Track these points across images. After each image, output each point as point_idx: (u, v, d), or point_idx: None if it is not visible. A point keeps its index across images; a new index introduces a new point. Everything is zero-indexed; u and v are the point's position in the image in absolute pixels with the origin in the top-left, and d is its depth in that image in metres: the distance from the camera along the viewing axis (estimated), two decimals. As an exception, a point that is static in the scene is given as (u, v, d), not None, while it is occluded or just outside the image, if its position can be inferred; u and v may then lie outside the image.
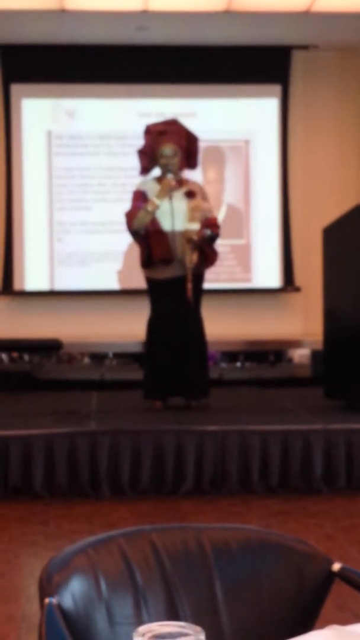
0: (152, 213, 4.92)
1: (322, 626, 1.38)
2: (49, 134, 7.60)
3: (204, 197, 5.11)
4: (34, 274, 7.55)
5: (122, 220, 7.47)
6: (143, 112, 7.57)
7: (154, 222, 4.94)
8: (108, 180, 7.61)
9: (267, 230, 7.68)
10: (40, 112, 7.60)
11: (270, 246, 7.67)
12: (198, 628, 1.26)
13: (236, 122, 7.70)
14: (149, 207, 4.91)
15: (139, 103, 7.63)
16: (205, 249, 4.97)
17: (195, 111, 7.53)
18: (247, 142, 7.73)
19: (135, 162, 7.19)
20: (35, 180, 7.58)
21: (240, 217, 7.57)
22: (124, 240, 7.34)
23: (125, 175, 7.55)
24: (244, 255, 7.57)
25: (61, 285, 7.55)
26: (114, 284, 7.55)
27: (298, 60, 7.71)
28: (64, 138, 7.63)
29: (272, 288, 7.69)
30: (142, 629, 1.27)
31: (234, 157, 7.69)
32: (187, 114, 7.28)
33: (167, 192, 4.91)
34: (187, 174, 5.20)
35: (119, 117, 7.62)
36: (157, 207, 4.91)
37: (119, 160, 7.58)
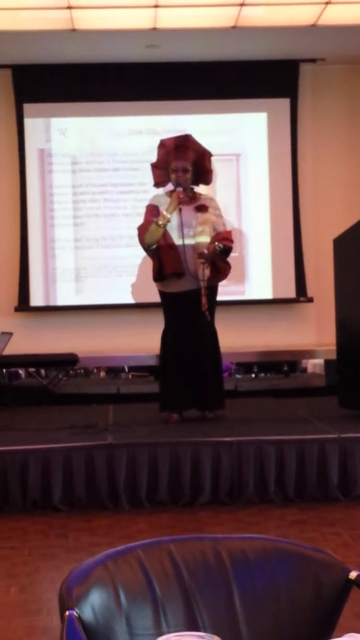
0: (163, 227, 4.96)
1: (340, 634, 1.39)
2: (42, 152, 7.66)
3: (217, 212, 5.14)
4: (39, 290, 7.61)
5: (114, 235, 7.55)
6: (144, 129, 7.62)
7: (166, 236, 4.98)
8: (101, 196, 7.69)
9: (260, 242, 7.70)
10: (37, 130, 7.66)
11: (264, 257, 7.69)
12: (217, 638, 1.28)
13: (230, 135, 7.73)
14: (160, 221, 4.96)
15: (145, 120, 7.69)
16: (217, 262, 5.00)
17: (201, 126, 7.58)
18: (238, 155, 7.75)
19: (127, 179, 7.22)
20: (42, 194, 7.65)
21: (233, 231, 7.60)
22: (119, 254, 7.43)
23: (118, 191, 7.62)
24: (237, 267, 7.57)
25: (64, 301, 7.60)
26: (117, 299, 7.58)
27: (306, 73, 7.75)
28: (57, 156, 7.68)
29: (286, 299, 7.70)
30: (161, 639, 1.29)
31: (226, 171, 7.69)
32: (196, 128, 7.32)
33: (175, 205, 4.95)
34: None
35: (119, 135, 7.68)
36: (167, 220, 4.95)
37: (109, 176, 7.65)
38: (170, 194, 5.07)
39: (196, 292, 4.92)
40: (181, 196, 4.96)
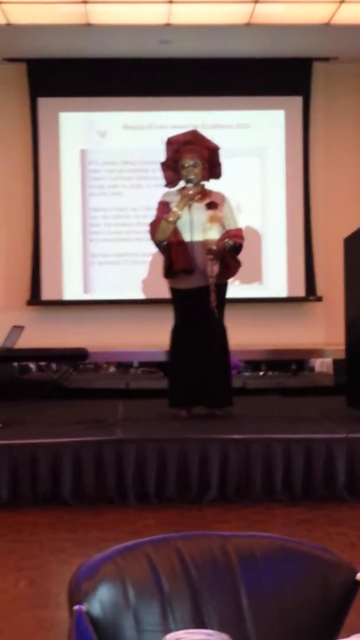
0: (174, 223, 4.97)
1: (346, 634, 1.41)
2: (56, 146, 7.67)
3: (229, 208, 5.15)
4: (50, 284, 7.64)
5: (125, 230, 7.55)
6: (161, 124, 7.63)
7: (176, 232, 5.00)
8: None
9: (276, 241, 7.70)
10: (51, 124, 7.68)
11: (279, 256, 7.70)
12: (225, 636, 1.30)
13: (247, 133, 7.73)
14: (170, 218, 4.97)
15: (157, 115, 7.69)
16: (226, 259, 5.01)
17: (213, 123, 7.58)
18: (257, 153, 7.75)
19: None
20: (54, 188, 7.67)
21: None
22: (131, 249, 7.46)
23: (130, 185, 7.60)
24: (252, 266, 7.57)
25: (75, 295, 7.63)
26: (128, 294, 7.61)
27: (319, 71, 7.73)
28: (71, 150, 7.69)
29: (295, 297, 7.70)
30: (169, 636, 1.31)
31: (247, 169, 7.68)
32: (208, 125, 7.34)
33: (185, 202, 4.96)
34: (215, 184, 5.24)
35: (138, 131, 7.69)
36: (178, 217, 4.96)
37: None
38: (181, 190, 5.08)
39: (206, 289, 4.94)
40: (190, 192, 4.97)
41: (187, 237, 4.98)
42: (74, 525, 3.96)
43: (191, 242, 4.96)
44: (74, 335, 7.21)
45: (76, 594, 1.48)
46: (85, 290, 7.70)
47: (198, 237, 4.97)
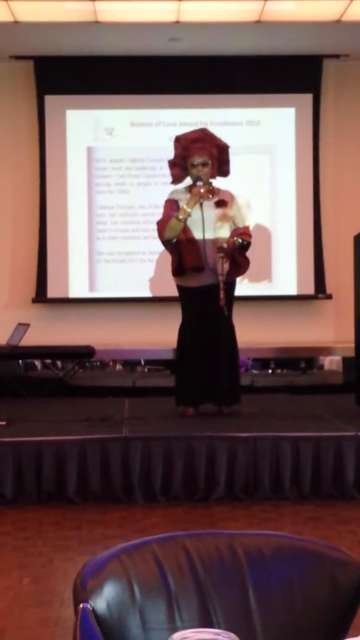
0: (184, 221, 4.95)
1: (355, 633, 1.38)
2: (62, 143, 7.65)
3: (237, 207, 5.12)
4: (56, 281, 7.62)
5: (132, 228, 7.52)
6: (169, 122, 7.60)
7: (186, 230, 4.97)
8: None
9: (285, 239, 7.67)
10: (58, 122, 7.65)
11: (288, 253, 7.66)
12: (233, 635, 1.27)
13: (257, 131, 7.70)
14: (180, 215, 4.94)
15: (165, 113, 7.66)
16: (236, 257, 4.98)
17: (223, 120, 7.55)
18: (269, 151, 7.71)
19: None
20: (61, 186, 7.65)
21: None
22: (138, 247, 7.43)
23: (137, 183, 7.59)
24: (262, 264, 7.54)
25: (81, 293, 7.61)
26: (135, 292, 7.59)
27: (329, 69, 7.69)
28: (77, 148, 7.67)
29: (305, 295, 7.66)
30: (176, 635, 1.29)
31: (256, 166, 7.64)
32: (218, 123, 7.32)
33: (196, 200, 4.94)
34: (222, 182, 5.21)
35: (146, 128, 7.66)
36: (188, 214, 4.94)
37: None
38: (189, 188, 5.05)
39: (215, 287, 4.92)
40: (202, 191, 4.95)
41: (198, 235, 4.96)
42: (79, 523, 3.94)
43: (203, 240, 4.94)
44: (80, 333, 7.18)
45: (81, 592, 1.46)
46: (91, 288, 7.67)
47: (210, 235, 4.96)
